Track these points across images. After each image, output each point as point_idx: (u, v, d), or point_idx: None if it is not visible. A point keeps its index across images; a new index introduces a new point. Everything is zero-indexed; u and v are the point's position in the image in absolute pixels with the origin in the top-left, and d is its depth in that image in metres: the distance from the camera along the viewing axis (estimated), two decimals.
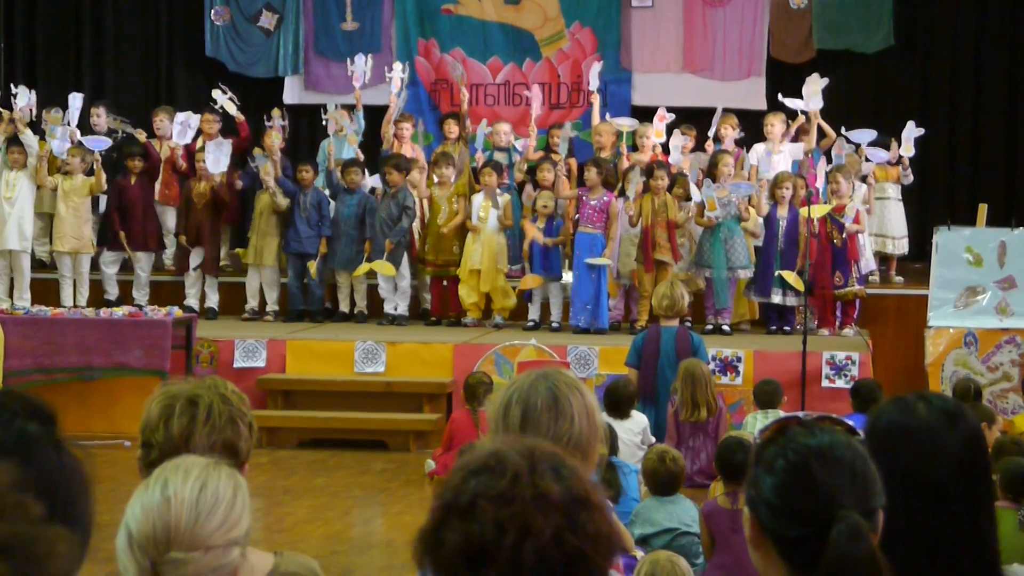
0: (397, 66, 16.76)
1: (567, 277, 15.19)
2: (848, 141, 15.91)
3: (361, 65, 16.54)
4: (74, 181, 15.87)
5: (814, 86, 15.84)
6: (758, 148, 15.83)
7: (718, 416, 11.61)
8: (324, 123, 16.43)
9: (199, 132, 16.49)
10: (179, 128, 16.33)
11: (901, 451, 3.04)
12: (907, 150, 15.97)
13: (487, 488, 2.21)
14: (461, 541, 2.19)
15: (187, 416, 3.48)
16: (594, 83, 16.52)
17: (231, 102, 16.67)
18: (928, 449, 3.05)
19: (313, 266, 15.56)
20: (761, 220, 15.02)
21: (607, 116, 16.38)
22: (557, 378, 3.51)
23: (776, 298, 14.89)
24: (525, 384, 3.51)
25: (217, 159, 15.91)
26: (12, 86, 16.86)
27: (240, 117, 16.65)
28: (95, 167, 15.82)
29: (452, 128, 16.40)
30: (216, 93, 16.75)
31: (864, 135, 15.88)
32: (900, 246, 16.26)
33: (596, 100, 16.47)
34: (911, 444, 3.06)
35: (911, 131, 15.99)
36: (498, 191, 15.43)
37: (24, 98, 16.21)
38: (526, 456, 2.26)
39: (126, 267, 16.35)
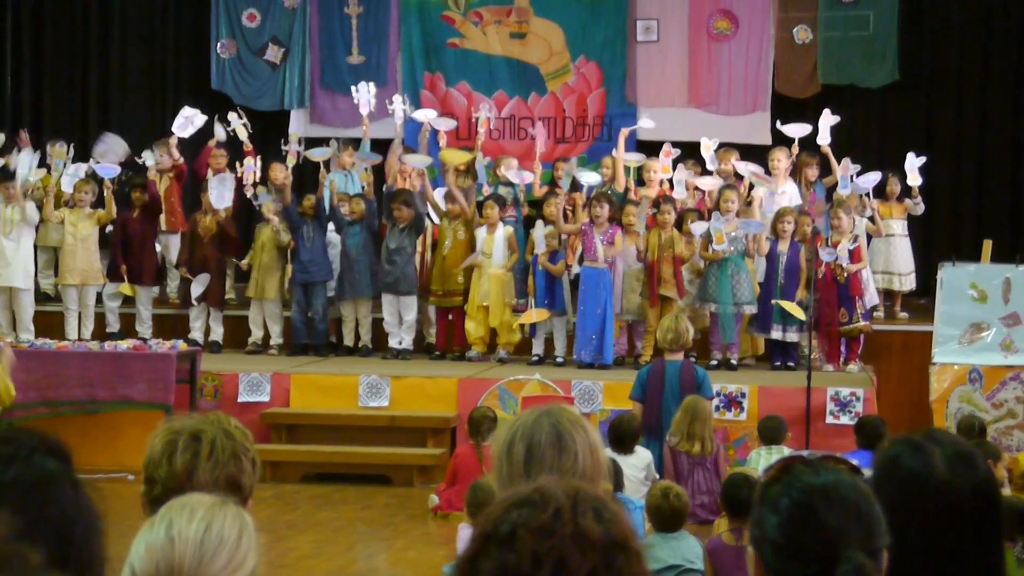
0: (397, 98, 16.77)
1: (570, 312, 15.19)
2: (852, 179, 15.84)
3: (365, 93, 16.55)
4: (81, 213, 15.89)
5: (825, 120, 15.88)
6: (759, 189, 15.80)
7: (716, 453, 11.56)
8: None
9: (205, 166, 16.52)
10: (182, 121, 16.35)
11: (919, 500, 3.03)
12: (914, 179, 15.97)
13: (528, 520, 2.22)
14: (497, 570, 2.19)
15: (190, 452, 3.47)
16: (643, 126, 16.67)
17: (244, 128, 16.68)
18: (945, 499, 3.04)
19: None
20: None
21: (614, 151, 16.38)
22: (560, 415, 3.51)
23: (776, 334, 14.87)
24: (529, 421, 3.51)
25: (221, 194, 15.93)
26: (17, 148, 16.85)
27: (249, 146, 16.65)
28: (105, 195, 15.85)
29: (449, 177, 16.43)
30: (232, 116, 16.76)
31: (870, 179, 15.76)
32: (907, 282, 16.23)
33: (624, 134, 16.43)
34: (929, 493, 3.05)
35: (913, 161, 15.98)
36: (501, 224, 15.43)
37: (25, 166, 16.14)
38: (570, 494, 2.26)
39: (129, 300, 16.32)
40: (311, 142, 18.09)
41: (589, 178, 15.79)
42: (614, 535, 2.23)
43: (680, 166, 16.10)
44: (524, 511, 2.23)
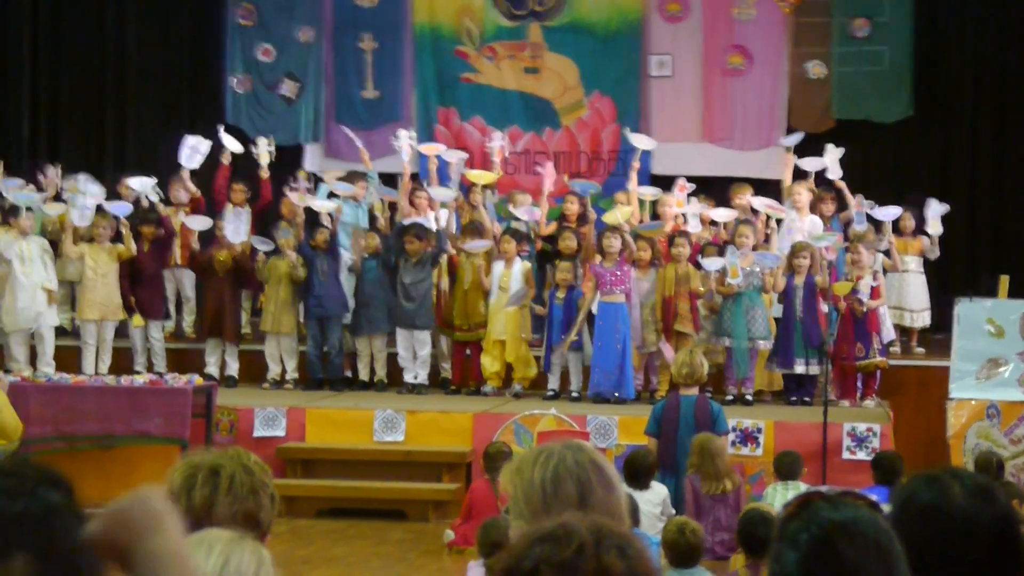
0: (403, 133, 16.80)
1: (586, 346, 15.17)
2: (870, 218, 15.83)
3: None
4: (101, 248, 15.93)
5: (831, 155, 15.93)
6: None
7: (739, 489, 11.51)
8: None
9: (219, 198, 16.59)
10: (188, 152, 16.39)
11: (936, 532, 3.03)
12: (934, 228, 15.96)
13: (551, 555, 2.22)
14: None
15: (209, 486, 3.48)
16: (640, 147, 16.63)
17: (268, 154, 16.70)
18: (963, 530, 3.04)
19: None
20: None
21: (630, 185, 16.40)
22: (581, 453, 3.49)
23: (799, 368, 14.83)
24: (550, 458, 3.50)
25: (237, 228, 15.98)
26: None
27: (266, 173, 16.65)
28: (123, 232, 15.88)
29: (476, 196, 16.52)
30: (261, 140, 16.80)
31: (890, 212, 15.79)
32: (920, 319, 16.20)
33: (637, 167, 16.48)
34: (947, 526, 3.05)
35: (935, 209, 15.95)
36: (518, 259, 15.45)
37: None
38: (593, 531, 2.26)
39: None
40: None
41: (641, 142, 16.54)
42: (637, 572, 2.22)
43: (694, 200, 16.11)
44: (547, 547, 2.23)
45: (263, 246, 16.05)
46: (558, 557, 2.21)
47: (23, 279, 15.60)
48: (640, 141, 16.86)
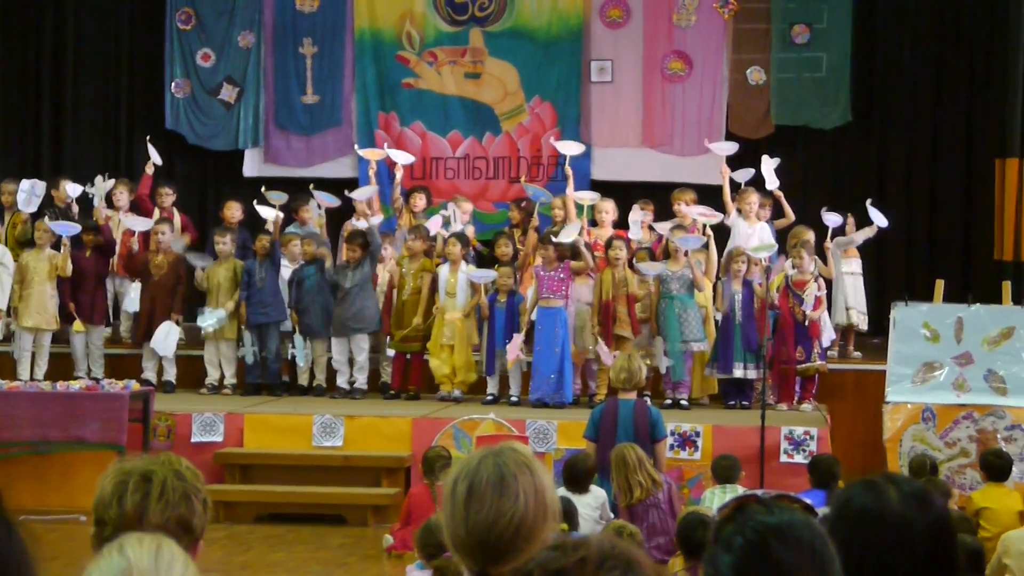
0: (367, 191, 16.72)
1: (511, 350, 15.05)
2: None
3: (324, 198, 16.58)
4: (41, 254, 15.80)
5: (767, 166, 16.03)
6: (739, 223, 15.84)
7: (668, 492, 11.40)
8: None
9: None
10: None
11: (872, 536, 3.04)
12: (880, 223, 16.10)
13: (550, 561, 2.22)
14: None
15: (140, 492, 3.45)
16: (569, 153, 16.62)
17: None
18: (899, 535, 3.05)
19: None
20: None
21: (567, 190, 16.41)
22: (507, 455, 3.48)
23: (738, 372, 14.90)
24: (474, 461, 3.49)
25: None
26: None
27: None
28: (63, 252, 15.73)
29: (418, 201, 16.50)
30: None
31: (832, 219, 15.89)
32: (863, 321, 16.32)
33: (571, 174, 16.48)
34: (883, 529, 3.06)
35: (877, 217, 16.06)
36: (463, 263, 15.43)
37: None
38: (603, 548, 2.26)
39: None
40: (264, 182, 18.02)
41: (569, 148, 16.56)
42: None
43: (635, 207, 16.15)
44: (552, 554, 2.25)
45: (200, 262, 16.01)
46: (555, 564, 2.22)
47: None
48: (568, 147, 16.84)
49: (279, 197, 16.59)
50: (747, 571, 2.62)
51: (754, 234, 15.65)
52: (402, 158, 17.08)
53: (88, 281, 16.06)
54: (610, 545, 2.28)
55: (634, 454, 11.22)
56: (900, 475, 3.29)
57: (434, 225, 16.03)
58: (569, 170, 16.51)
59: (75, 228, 15.78)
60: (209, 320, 15.66)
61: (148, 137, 17.47)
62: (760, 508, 2.70)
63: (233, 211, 16.57)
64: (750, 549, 2.64)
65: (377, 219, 16.23)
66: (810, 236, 15.41)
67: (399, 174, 16.95)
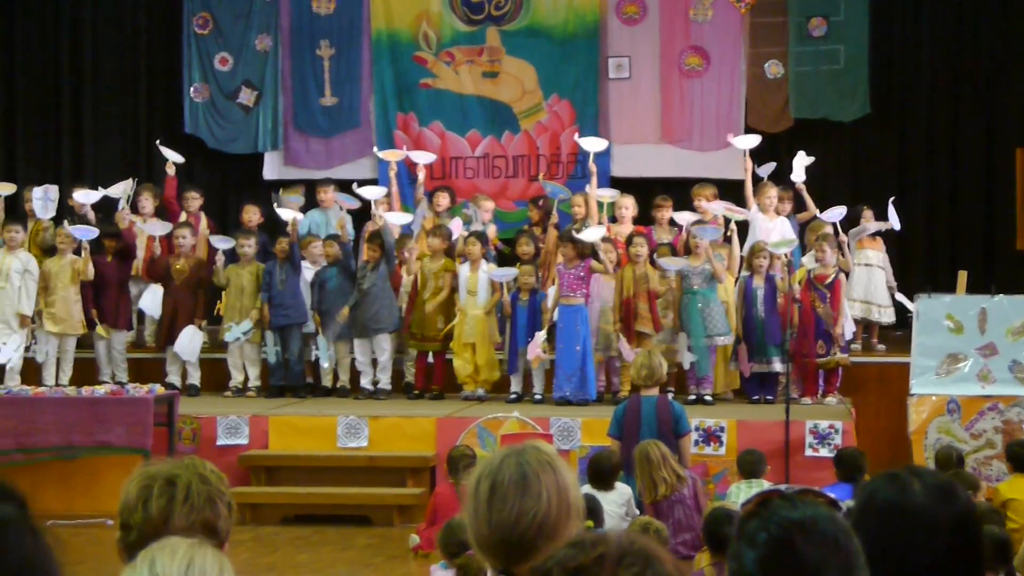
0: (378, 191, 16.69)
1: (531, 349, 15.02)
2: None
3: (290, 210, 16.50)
4: (62, 261, 15.83)
5: (799, 161, 15.98)
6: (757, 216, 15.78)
7: (693, 487, 11.42)
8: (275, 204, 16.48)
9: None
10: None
11: (897, 530, 3.04)
12: (894, 223, 16.01)
13: (569, 559, 2.22)
14: None
15: (165, 496, 3.46)
16: (592, 150, 16.58)
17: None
18: (924, 528, 3.04)
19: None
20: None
21: (587, 188, 16.40)
22: (529, 454, 3.47)
23: (762, 367, 14.85)
24: (496, 460, 3.49)
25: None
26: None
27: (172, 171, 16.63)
28: (83, 256, 15.76)
29: (441, 200, 16.49)
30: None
31: (834, 213, 15.78)
32: (886, 314, 16.22)
33: (595, 171, 16.44)
34: (907, 524, 3.05)
35: (893, 218, 15.97)
36: (483, 261, 15.43)
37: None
38: (623, 546, 2.26)
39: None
40: (284, 184, 18.06)
41: (593, 144, 16.48)
42: None
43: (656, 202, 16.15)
44: (571, 551, 2.24)
45: (223, 244, 16.04)
46: (575, 561, 2.22)
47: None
48: (591, 144, 16.80)
49: (296, 200, 16.60)
50: (771, 566, 2.62)
51: (774, 228, 15.62)
52: (422, 158, 17.09)
53: (111, 286, 16.09)
54: (629, 541, 2.27)
55: (657, 450, 11.23)
56: (924, 468, 3.29)
57: (456, 227, 16.01)
58: (593, 167, 16.48)
59: (94, 232, 15.80)
60: (235, 333, 15.72)
61: (158, 140, 17.48)
62: (784, 503, 2.70)
63: (251, 215, 16.59)
64: (774, 544, 2.64)
65: (405, 218, 16.20)
66: (830, 229, 15.36)
67: (421, 174, 16.97)
